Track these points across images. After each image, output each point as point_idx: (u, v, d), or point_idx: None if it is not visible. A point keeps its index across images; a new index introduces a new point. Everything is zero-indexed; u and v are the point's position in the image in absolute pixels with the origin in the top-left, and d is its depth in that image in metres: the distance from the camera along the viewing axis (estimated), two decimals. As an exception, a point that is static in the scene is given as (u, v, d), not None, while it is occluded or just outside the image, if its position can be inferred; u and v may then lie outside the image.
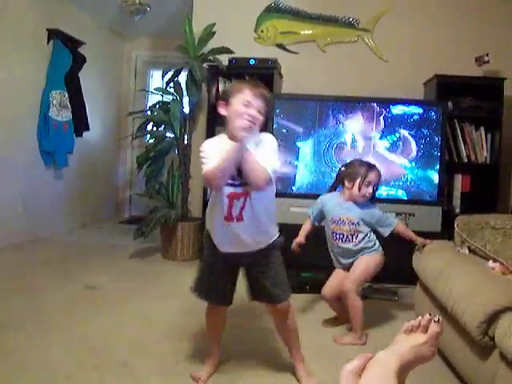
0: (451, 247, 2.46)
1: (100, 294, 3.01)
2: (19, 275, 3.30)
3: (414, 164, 3.46)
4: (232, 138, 1.75)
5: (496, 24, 4.00)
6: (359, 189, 2.49)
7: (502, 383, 1.56)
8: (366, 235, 2.53)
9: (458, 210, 3.66)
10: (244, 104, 1.75)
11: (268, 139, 1.86)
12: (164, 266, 3.81)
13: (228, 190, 1.81)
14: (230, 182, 1.80)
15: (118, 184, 6.10)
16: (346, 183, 2.55)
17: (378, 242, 2.56)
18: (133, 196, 5.92)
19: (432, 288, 2.19)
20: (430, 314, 1.25)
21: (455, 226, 2.50)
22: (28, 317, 2.52)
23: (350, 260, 2.54)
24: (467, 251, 2.37)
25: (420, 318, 1.25)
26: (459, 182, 3.70)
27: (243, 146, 1.72)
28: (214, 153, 1.76)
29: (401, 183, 3.46)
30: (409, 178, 3.46)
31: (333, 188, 2.68)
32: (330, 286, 2.56)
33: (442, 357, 2.17)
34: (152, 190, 4.09)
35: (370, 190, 2.50)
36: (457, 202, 3.69)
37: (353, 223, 2.51)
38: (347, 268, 2.54)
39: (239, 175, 1.79)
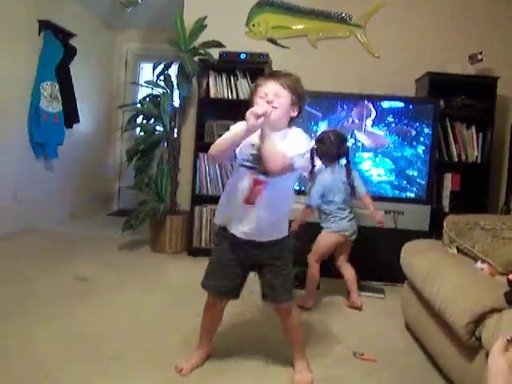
0: (440, 247, 2.45)
1: (89, 285, 2.99)
2: (8, 266, 3.26)
3: (404, 161, 3.45)
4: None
5: (490, 22, 3.99)
6: None
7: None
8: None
9: (447, 209, 3.65)
10: (260, 97, 1.76)
11: (294, 133, 1.82)
12: (153, 259, 3.79)
13: (250, 173, 1.80)
14: (251, 165, 1.80)
15: (108, 176, 6.05)
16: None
17: (328, 222, 2.84)
18: (122, 189, 5.89)
19: (420, 287, 2.19)
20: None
21: (444, 225, 2.49)
22: (17, 308, 2.51)
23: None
24: (456, 251, 2.36)
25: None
26: (449, 181, 3.69)
27: (261, 131, 1.69)
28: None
29: (390, 181, 3.45)
30: (398, 176, 3.46)
31: None
32: None
33: (428, 357, 2.18)
34: (141, 182, 4.06)
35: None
36: (446, 200, 3.69)
37: None
38: None
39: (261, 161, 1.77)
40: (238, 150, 1.83)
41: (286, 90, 1.77)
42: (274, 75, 1.81)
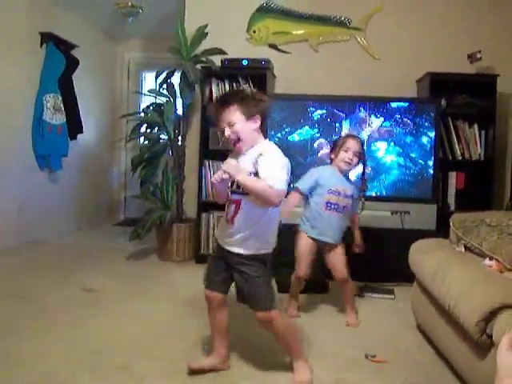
0: (447, 245, 2.46)
1: (97, 296, 3.00)
2: (16, 279, 3.28)
3: (408, 162, 3.46)
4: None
5: (487, 21, 4.01)
6: (336, 155, 2.61)
7: (500, 381, 1.56)
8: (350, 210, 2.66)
9: (452, 208, 3.66)
10: (218, 125, 1.86)
11: (268, 150, 1.83)
12: (160, 267, 3.81)
13: (229, 195, 1.91)
14: (229, 188, 1.88)
15: (113, 186, 6.07)
16: (332, 154, 2.68)
17: None
18: (127, 198, 5.90)
19: (429, 287, 2.20)
20: None
21: (451, 224, 2.50)
22: (26, 320, 2.51)
23: (335, 235, 2.61)
24: (463, 249, 2.37)
25: None
26: (454, 180, 3.70)
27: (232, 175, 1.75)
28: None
29: (395, 181, 3.47)
30: (403, 176, 3.47)
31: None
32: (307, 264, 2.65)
33: (440, 356, 2.19)
34: (147, 191, 4.08)
35: (350, 155, 2.56)
36: (451, 199, 3.70)
37: (347, 195, 2.61)
38: (322, 243, 2.62)
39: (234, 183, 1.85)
40: None
41: (235, 112, 1.81)
42: (220, 104, 1.85)
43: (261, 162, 1.77)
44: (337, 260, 2.65)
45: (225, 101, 1.85)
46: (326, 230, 2.60)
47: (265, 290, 1.91)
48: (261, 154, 1.79)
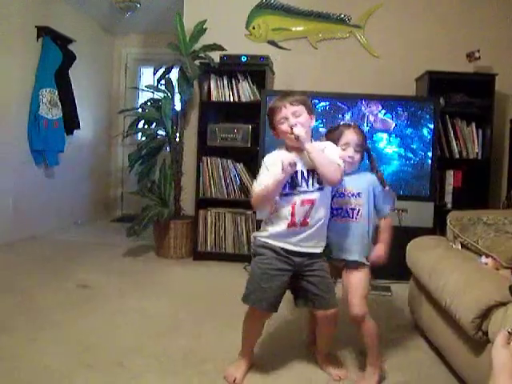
0: (444, 243, 2.47)
1: (93, 292, 2.99)
2: (11, 274, 3.27)
3: (406, 159, 3.47)
4: (291, 148, 1.90)
5: (487, 20, 4.02)
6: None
7: (495, 378, 1.56)
8: (368, 213, 2.04)
9: (449, 206, 3.68)
10: (281, 122, 1.87)
11: (331, 145, 1.95)
12: (157, 264, 3.79)
13: (293, 198, 1.87)
14: (293, 191, 1.87)
15: (110, 182, 6.06)
16: None
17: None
18: (124, 194, 5.90)
19: (426, 284, 2.20)
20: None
21: (448, 221, 2.51)
22: (21, 316, 2.50)
23: (348, 249, 2.02)
24: (460, 247, 2.38)
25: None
26: (451, 178, 3.72)
27: (307, 151, 1.83)
28: (272, 168, 1.86)
29: (393, 178, 3.47)
30: (401, 173, 3.48)
31: None
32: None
33: (436, 352, 2.20)
34: (144, 188, 4.07)
35: (350, 152, 2.02)
36: (449, 197, 3.71)
37: (355, 195, 2.04)
38: (341, 265, 2.06)
39: (309, 181, 1.88)
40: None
41: (300, 105, 1.89)
42: (285, 98, 1.90)
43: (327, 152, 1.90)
44: (350, 286, 2.01)
45: (289, 97, 1.90)
46: (334, 243, 2.03)
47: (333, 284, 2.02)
48: (324, 149, 1.90)
